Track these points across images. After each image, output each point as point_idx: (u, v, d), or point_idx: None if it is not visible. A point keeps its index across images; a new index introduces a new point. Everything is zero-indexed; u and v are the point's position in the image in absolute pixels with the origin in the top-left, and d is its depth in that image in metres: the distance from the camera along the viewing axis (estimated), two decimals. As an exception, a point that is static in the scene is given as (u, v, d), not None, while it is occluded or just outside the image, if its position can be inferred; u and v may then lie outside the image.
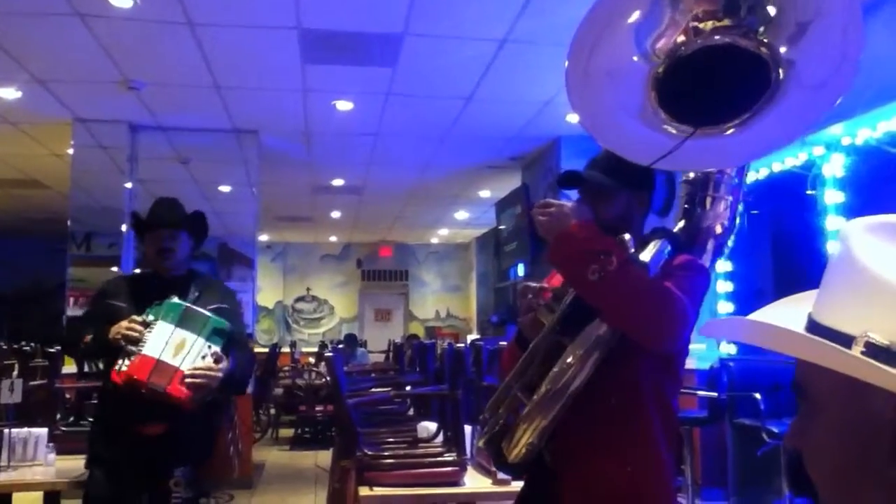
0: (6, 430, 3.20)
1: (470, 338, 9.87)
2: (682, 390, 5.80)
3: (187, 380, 2.58)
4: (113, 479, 2.75)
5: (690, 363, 6.29)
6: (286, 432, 9.67)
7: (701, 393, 4.90)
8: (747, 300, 6.38)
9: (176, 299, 2.76)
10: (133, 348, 2.62)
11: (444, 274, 16.41)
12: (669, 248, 1.81)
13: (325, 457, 7.70)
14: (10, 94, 6.37)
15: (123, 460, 2.75)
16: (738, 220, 2.03)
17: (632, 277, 1.68)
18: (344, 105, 6.66)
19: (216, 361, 2.64)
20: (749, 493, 5.79)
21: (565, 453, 1.79)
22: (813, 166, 5.25)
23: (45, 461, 3.22)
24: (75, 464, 3.21)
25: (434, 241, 16.00)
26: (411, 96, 6.44)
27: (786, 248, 6.27)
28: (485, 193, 10.48)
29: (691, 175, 1.98)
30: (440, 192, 10.62)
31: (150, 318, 2.70)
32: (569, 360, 1.70)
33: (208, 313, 2.74)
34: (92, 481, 2.78)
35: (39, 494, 3.40)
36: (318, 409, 8.78)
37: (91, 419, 4.43)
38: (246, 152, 7.76)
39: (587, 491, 1.77)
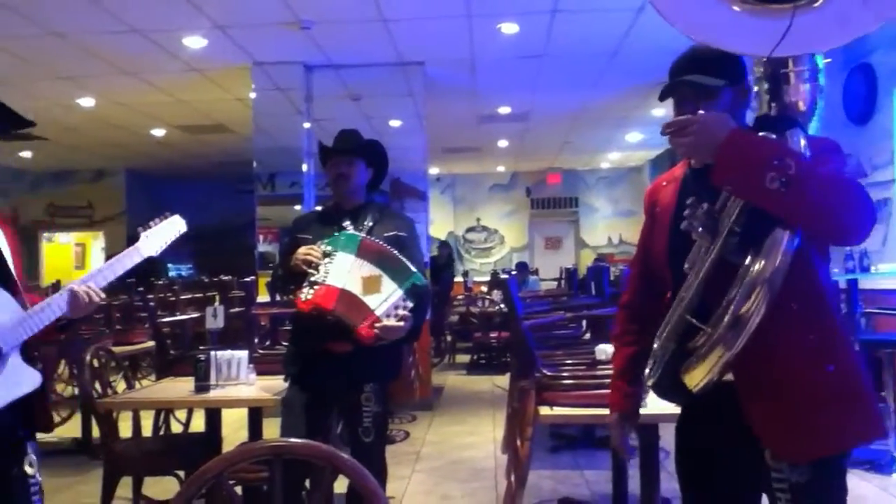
0: (213, 353, 3.47)
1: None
2: (885, 311, 5.36)
3: (377, 325, 2.71)
4: (309, 393, 2.92)
5: (891, 283, 5.76)
6: (462, 358, 9.96)
7: (908, 314, 4.47)
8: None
9: (351, 230, 2.88)
10: (312, 271, 2.76)
11: (616, 199, 15.99)
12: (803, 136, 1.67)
13: (500, 381, 7.87)
14: (197, 42, 6.77)
15: (317, 376, 2.92)
16: (819, 102, 1.87)
17: (816, 177, 1.55)
18: (509, 27, 6.52)
19: (404, 320, 2.76)
20: (962, 423, 5.28)
21: (751, 367, 1.68)
22: None
23: (247, 381, 3.48)
24: (273, 383, 3.45)
25: (604, 165, 15.58)
26: (578, 12, 6.17)
27: None
28: (658, 112, 9.99)
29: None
30: (610, 114, 10.26)
31: (328, 248, 2.82)
32: (750, 282, 1.59)
33: (411, 266, 2.83)
34: (290, 396, 2.98)
35: (244, 410, 3.71)
36: (492, 335, 8.94)
37: (285, 343, 4.77)
38: (412, 84, 7.84)
39: (784, 400, 1.67)
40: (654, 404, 2.82)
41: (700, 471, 1.87)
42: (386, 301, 2.73)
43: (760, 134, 1.66)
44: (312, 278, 2.77)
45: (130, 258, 2.22)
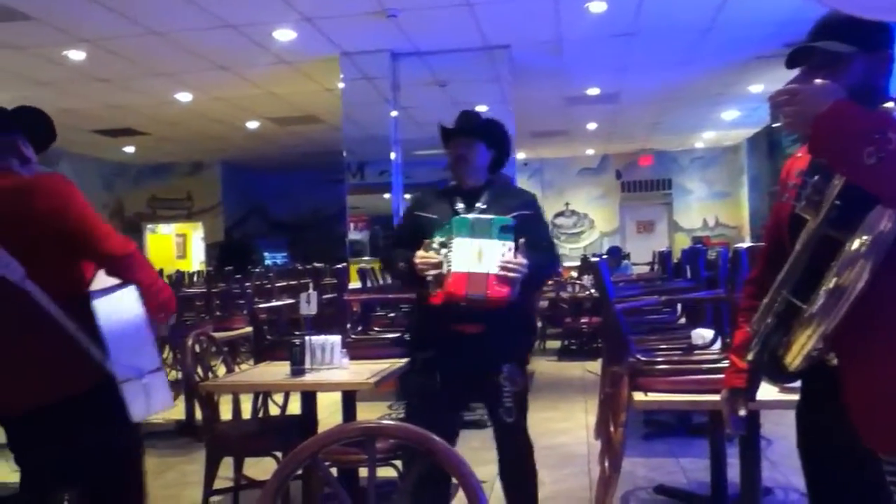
0: (307, 338, 3.54)
1: (744, 246, 9.29)
2: None
3: (500, 273, 2.71)
4: (443, 377, 2.92)
5: None
6: (552, 344, 9.87)
7: None
8: None
9: (462, 215, 2.87)
10: (433, 272, 2.78)
11: (711, 180, 15.51)
12: None
13: (592, 367, 7.77)
14: (286, 35, 6.92)
15: (450, 359, 2.91)
16: None
17: None
18: (597, 6, 6.38)
19: (516, 256, 2.75)
20: None
21: (853, 354, 1.61)
22: None
23: (340, 365, 3.53)
24: (365, 367, 3.50)
25: (699, 145, 15.13)
26: (669, -13, 6.00)
27: None
28: (756, 88, 9.61)
29: None
30: (704, 92, 9.93)
31: (440, 239, 2.83)
32: (849, 256, 1.52)
33: (491, 216, 2.83)
34: (421, 381, 2.99)
35: (338, 394, 3.77)
36: (583, 321, 8.82)
37: (377, 328, 4.82)
38: (499, 69, 7.78)
39: (883, 390, 1.58)
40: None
41: (816, 459, 1.80)
42: (490, 258, 2.74)
43: (888, 106, 1.56)
44: (437, 272, 2.79)
45: None
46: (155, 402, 2.21)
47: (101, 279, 2.19)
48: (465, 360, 2.87)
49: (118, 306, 2.13)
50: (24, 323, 2.05)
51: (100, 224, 2.16)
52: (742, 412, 1.96)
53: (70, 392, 2.08)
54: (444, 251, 2.79)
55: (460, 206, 2.93)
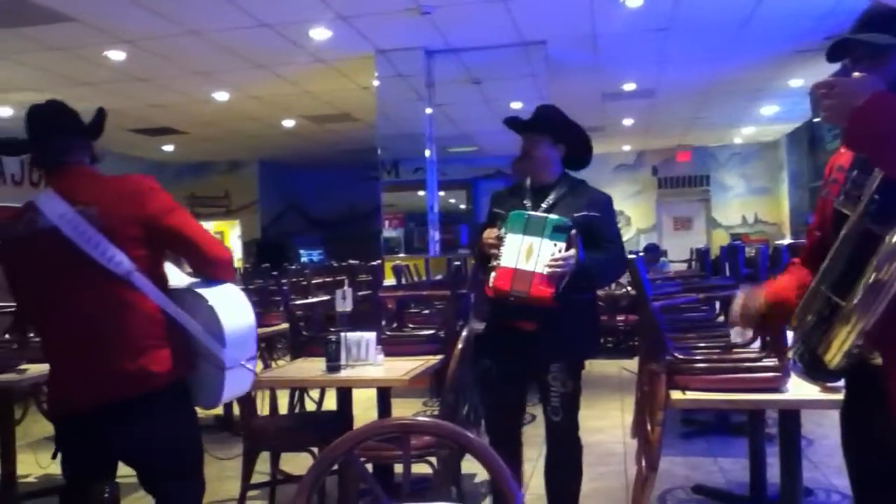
0: (342, 335, 3.56)
1: (784, 243, 9.13)
2: None
3: (547, 272, 2.72)
4: (500, 367, 2.98)
5: None
6: (589, 341, 9.81)
7: None
8: None
9: (519, 211, 2.89)
10: (494, 262, 2.83)
11: (750, 176, 15.26)
12: None
13: (628, 365, 7.70)
14: (322, 33, 6.96)
15: (505, 353, 2.97)
16: None
17: None
18: (633, 0, 6.31)
19: (563, 259, 2.74)
20: None
21: (895, 351, 1.57)
22: None
23: (375, 361, 3.55)
24: (400, 364, 3.51)
25: (737, 140, 14.90)
26: (706, -20, 5.92)
27: None
28: (796, 83, 9.44)
29: None
30: (742, 87, 9.78)
31: (501, 231, 2.87)
32: (889, 251, 1.48)
33: (546, 214, 2.84)
34: (483, 370, 3.06)
35: (374, 391, 3.79)
36: (619, 318, 8.75)
37: (412, 325, 4.83)
38: (534, 65, 7.75)
39: None
40: (796, 390, 2.68)
41: (861, 459, 1.76)
42: (539, 256, 2.75)
43: None
44: (491, 264, 2.83)
45: None
46: (242, 388, 2.29)
47: (172, 276, 2.27)
48: (519, 356, 2.92)
49: (229, 299, 2.19)
50: (125, 315, 2.10)
51: (203, 227, 2.25)
52: (748, 331, 1.96)
53: (167, 380, 2.12)
54: (500, 243, 2.83)
55: (527, 202, 2.94)
